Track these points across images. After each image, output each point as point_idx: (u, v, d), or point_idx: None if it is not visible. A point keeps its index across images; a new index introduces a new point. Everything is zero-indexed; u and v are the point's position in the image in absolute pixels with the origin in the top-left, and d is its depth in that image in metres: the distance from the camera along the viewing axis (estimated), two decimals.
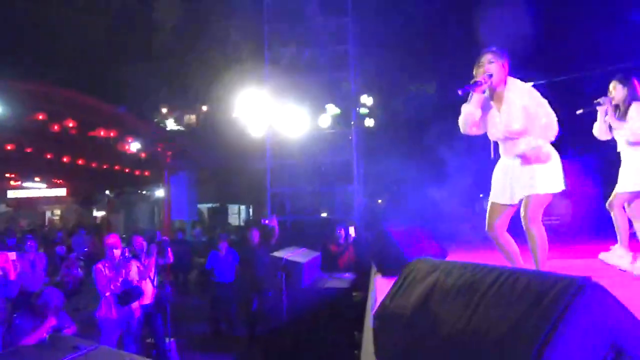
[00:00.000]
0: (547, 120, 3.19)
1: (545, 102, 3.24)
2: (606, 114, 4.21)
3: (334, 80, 11.21)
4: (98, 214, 24.26)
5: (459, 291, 1.63)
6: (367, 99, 12.25)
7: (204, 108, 21.35)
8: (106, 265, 5.84)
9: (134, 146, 15.25)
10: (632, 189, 4.05)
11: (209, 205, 22.79)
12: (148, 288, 6.23)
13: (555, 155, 3.27)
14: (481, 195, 15.33)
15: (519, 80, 3.32)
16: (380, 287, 4.34)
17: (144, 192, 23.24)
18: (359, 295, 6.28)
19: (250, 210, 22.70)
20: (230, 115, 13.59)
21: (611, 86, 4.18)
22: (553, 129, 3.21)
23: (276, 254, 6.56)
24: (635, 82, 4.12)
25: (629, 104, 4.06)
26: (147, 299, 6.21)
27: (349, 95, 11.13)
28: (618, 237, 4.18)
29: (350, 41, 10.88)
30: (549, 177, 3.21)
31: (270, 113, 10.76)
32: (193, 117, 21.82)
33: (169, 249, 6.77)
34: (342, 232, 8.53)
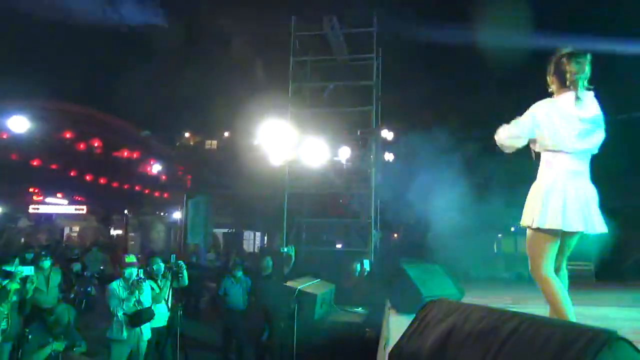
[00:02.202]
0: None
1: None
2: None
3: (356, 114, 11.34)
4: (115, 232, 24.51)
5: (478, 336, 1.60)
6: (387, 134, 12.34)
7: (226, 134, 21.72)
8: (120, 285, 5.87)
9: (155, 168, 15.52)
10: None
11: (225, 230, 22.86)
12: (161, 311, 6.22)
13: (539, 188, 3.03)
14: (500, 235, 15.16)
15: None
16: (395, 324, 4.26)
17: (161, 214, 23.47)
18: (371, 331, 6.17)
19: (265, 237, 22.68)
20: (251, 143, 13.79)
21: None
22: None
23: (290, 284, 6.50)
24: None
25: None
26: (159, 322, 6.19)
27: (370, 130, 11.22)
28: None
29: (375, 77, 11.04)
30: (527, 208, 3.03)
31: (291, 143, 10.89)
32: (214, 143, 22.18)
33: (184, 274, 6.77)
34: (357, 265, 8.47)
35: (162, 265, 6.50)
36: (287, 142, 10.87)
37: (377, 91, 11.22)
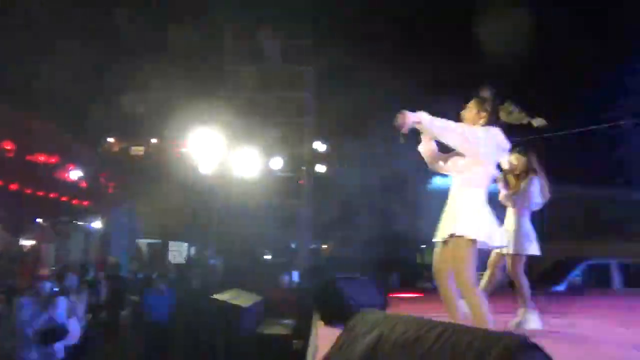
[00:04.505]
0: None
1: None
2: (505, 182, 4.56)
3: (290, 125, 11.39)
4: (27, 243, 22.70)
5: (404, 346, 1.65)
6: (320, 146, 12.49)
7: (153, 141, 20.92)
8: (32, 300, 5.45)
9: (74, 174, 14.60)
10: (527, 252, 4.37)
11: (149, 240, 21.93)
12: (74, 327, 5.84)
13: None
14: (423, 246, 15.76)
15: None
16: (323, 336, 4.27)
17: (80, 223, 22.07)
18: (299, 343, 6.16)
19: (192, 249, 22.03)
20: (180, 151, 13.43)
21: (513, 157, 4.52)
22: None
23: (217, 296, 6.36)
24: (532, 155, 4.52)
25: (527, 176, 4.44)
26: (73, 339, 5.80)
27: (303, 141, 11.31)
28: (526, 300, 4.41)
29: (309, 88, 11.17)
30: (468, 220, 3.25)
31: (222, 152, 10.71)
32: (141, 149, 21.29)
33: (104, 287, 6.42)
34: (286, 276, 8.45)
35: (75, 279, 6.12)
36: (218, 151, 10.69)
37: (311, 103, 11.36)
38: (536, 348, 1.39)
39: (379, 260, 12.01)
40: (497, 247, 3.43)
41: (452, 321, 3.07)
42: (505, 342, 1.40)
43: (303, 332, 6.28)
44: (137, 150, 19.33)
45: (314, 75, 11.54)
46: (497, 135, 3.37)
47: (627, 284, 10.05)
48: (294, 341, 6.37)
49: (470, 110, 3.49)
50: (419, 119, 3.20)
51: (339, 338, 1.98)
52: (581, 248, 12.25)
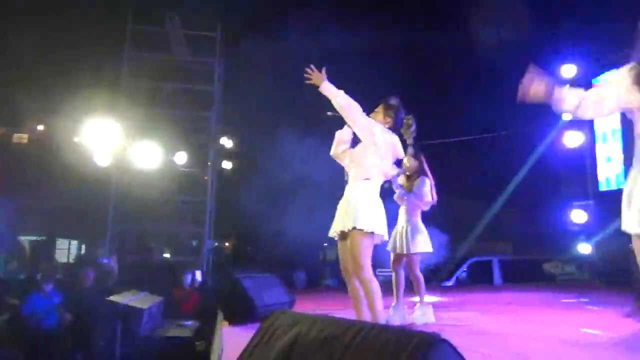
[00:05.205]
0: None
1: None
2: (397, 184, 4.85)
3: (195, 119, 11.01)
4: None
5: (322, 345, 1.67)
6: (227, 141, 12.23)
7: (40, 128, 19.15)
8: None
9: None
10: (421, 250, 4.67)
11: (33, 237, 19.98)
12: None
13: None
14: (325, 245, 16.15)
15: None
16: (228, 336, 4.21)
17: None
18: (201, 344, 6.00)
19: (83, 246, 20.47)
20: (71, 140, 12.43)
21: (405, 159, 4.86)
22: None
23: (113, 298, 5.97)
24: (423, 158, 4.90)
25: (418, 177, 4.80)
26: None
27: (209, 136, 11.00)
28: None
29: (216, 82, 10.88)
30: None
31: (120, 143, 10.07)
32: (25, 137, 19.38)
33: None
34: (188, 276, 8.17)
35: None
36: (115, 141, 10.02)
37: (218, 97, 11.08)
38: (447, 344, 1.48)
39: (283, 258, 12.08)
40: (386, 242, 3.69)
41: (360, 319, 3.21)
42: (419, 339, 1.47)
43: (206, 333, 6.11)
44: (21, 137, 17.58)
45: (222, 69, 11.25)
46: (396, 142, 3.65)
47: (506, 279, 11.18)
48: (197, 342, 6.20)
49: (378, 114, 3.71)
50: (324, 87, 3.45)
51: (254, 338, 1.95)
52: (470, 246, 13.33)
